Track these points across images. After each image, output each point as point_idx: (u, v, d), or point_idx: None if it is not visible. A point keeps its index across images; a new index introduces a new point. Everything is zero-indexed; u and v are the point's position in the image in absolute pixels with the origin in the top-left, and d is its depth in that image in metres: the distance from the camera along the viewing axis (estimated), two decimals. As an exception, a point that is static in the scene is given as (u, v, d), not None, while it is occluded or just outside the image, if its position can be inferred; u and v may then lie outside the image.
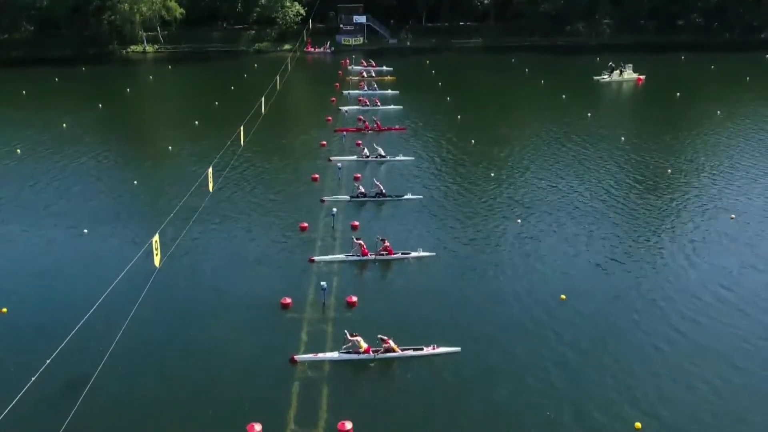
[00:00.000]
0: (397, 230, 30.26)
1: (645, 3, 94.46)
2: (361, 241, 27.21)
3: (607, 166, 39.71)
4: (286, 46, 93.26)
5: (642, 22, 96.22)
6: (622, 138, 45.47)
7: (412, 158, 41.27)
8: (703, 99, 58.84)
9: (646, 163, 40.45)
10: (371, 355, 20.37)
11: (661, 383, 19.26)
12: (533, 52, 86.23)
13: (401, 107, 55.76)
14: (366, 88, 63.17)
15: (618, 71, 67.48)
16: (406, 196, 33.99)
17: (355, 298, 23.92)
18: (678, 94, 60.01)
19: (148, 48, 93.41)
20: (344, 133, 46.71)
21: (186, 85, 72.24)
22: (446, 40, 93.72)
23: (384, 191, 34.08)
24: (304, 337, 21.91)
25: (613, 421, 17.71)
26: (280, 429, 17.54)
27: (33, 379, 16.07)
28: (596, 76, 67.98)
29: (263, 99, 46.12)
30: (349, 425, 17.27)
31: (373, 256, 27.00)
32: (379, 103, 56.52)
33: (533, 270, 26.45)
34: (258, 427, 17.25)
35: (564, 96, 59.77)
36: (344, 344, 20.56)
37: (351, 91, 61.93)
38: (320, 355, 20.46)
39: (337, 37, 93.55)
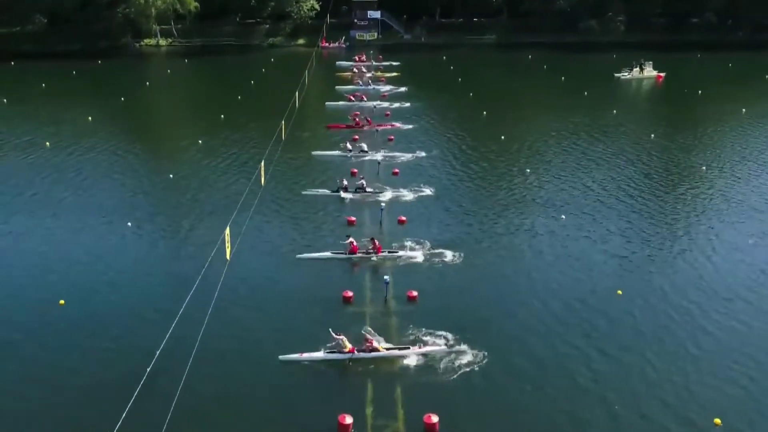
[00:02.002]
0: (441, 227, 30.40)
1: (657, 1, 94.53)
2: (351, 239, 27.13)
3: (641, 164, 39.83)
4: (300, 41, 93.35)
5: (653, 19, 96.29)
6: (652, 135, 45.60)
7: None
8: (725, 97, 58.89)
9: (679, 160, 40.63)
10: (355, 354, 20.19)
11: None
12: (547, 49, 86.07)
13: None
14: (360, 83, 62.96)
15: (638, 68, 67.58)
16: (386, 192, 33.94)
17: (415, 293, 23.96)
18: (700, 92, 60.20)
19: (162, 41, 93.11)
20: (377, 128, 46.42)
21: (204, 79, 72.00)
22: (460, 36, 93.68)
23: (365, 186, 34.07)
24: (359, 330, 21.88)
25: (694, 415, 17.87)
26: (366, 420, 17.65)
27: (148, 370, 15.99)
28: (616, 73, 68.02)
29: (297, 93, 46.05)
30: (435, 418, 17.32)
31: (361, 254, 26.90)
32: (365, 99, 55.82)
33: (584, 267, 26.53)
34: (349, 419, 17.31)
35: (586, 93, 59.85)
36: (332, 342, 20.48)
37: (343, 87, 61.44)
38: (305, 355, 20.21)
39: (351, 32, 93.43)
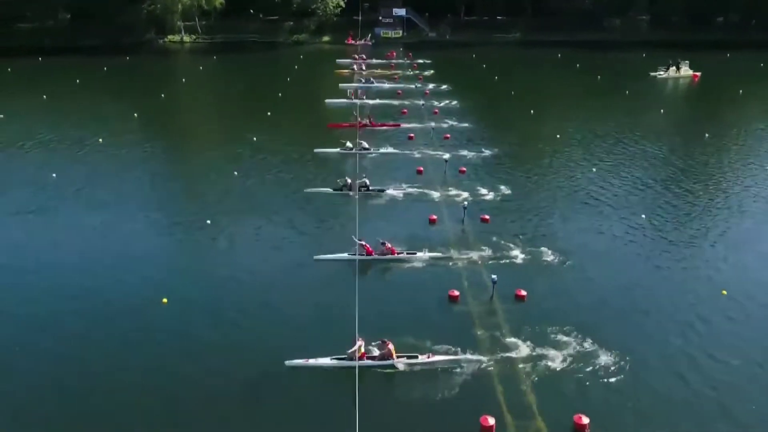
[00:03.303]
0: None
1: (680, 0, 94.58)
2: (363, 242, 26.65)
3: (702, 163, 39.70)
4: (325, 38, 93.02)
5: (676, 18, 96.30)
6: (706, 135, 45.43)
7: (398, 150, 40.88)
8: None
9: (739, 159, 40.53)
10: (365, 361, 19.62)
11: None
12: (572, 47, 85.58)
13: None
14: (363, 81, 62.56)
15: (675, 67, 67.43)
16: (388, 190, 33.69)
17: (524, 292, 23.77)
18: (741, 91, 60.12)
19: (186, 38, 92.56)
20: (432, 127, 46.01)
21: (237, 76, 71.23)
22: (484, 34, 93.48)
23: (369, 185, 33.76)
24: (475, 330, 21.73)
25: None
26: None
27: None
28: (652, 72, 67.83)
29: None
30: (585, 420, 17.14)
31: (377, 256, 26.42)
32: (365, 98, 55.23)
33: (675, 266, 26.43)
34: (491, 420, 17.11)
35: (627, 92, 59.71)
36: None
37: (347, 84, 60.92)
38: (311, 361, 19.78)
39: (376, 29, 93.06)
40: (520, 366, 19.82)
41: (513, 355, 20.28)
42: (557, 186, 35.64)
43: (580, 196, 34.05)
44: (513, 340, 21.04)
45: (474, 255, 26.83)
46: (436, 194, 33.57)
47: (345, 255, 26.73)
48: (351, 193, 33.30)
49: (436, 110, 51.66)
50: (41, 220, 31.04)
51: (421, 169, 37.37)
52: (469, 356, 20.09)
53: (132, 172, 37.92)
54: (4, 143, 43.63)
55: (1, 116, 50.14)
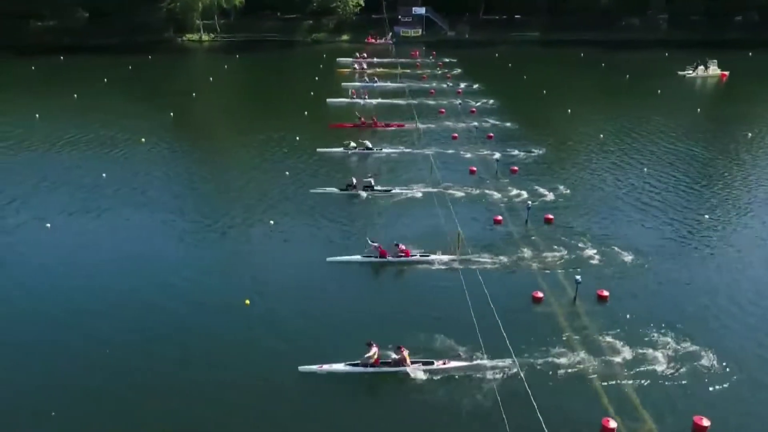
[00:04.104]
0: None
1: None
2: (377, 243, 26.41)
3: (753, 163, 39.64)
4: (344, 37, 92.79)
5: (695, 18, 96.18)
6: (749, 134, 45.36)
7: (400, 150, 40.83)
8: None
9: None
10: (379, 367, 19.44)
11: None
12: (592, 46, 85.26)
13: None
14: (366, 80, 62.39)
15: (703, 66, 67.34)
16: (394, 190, 33.51)
17: (606, 292, 23.65)
18: (773, 89, 60.23)
19: (204, 37, 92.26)
20: (475, 126, 45.81)
21: (263, 74, 70.84)
22: (503, 32, 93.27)
23: (373, 185, 33.64)
24: (564, 331, 21.60)
25: None
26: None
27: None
28: (680, 71, 67.74)
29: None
30: (706, 422, 17.03)
31: (391, 258, 26.15)
32: (367, 97, 55.05)
33: (755, 265, 26.33)
34: (613, 423, 16.99)
35: (659, 91, 59.58)
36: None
37: (350, 84, 60.76)
38: (325, 367, 19.47)
39: (395, 28, 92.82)
40: (622, 367, 19.68)
41: (612, 357, 20.15)
42: (612, 185, 35.52)
43: (637, 196, 33.92)
44: (608, 340, 20.96)
45: (548, 256, 26.72)
46: (496, 194, 33.47)
47: (358, 257, 26.46)
48: (364, 194, 33.23)
49: (474, 109, 51.52)
50: (99, 220, 30.96)
51: (474, 169, 37.21)
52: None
53: (169, 171, 37.91)
54: (44, 143, 43.34)
55: (37, 116, 49.83)
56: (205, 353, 20.50)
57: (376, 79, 62.73)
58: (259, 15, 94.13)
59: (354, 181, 33.98)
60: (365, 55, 75.17)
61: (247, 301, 23.24)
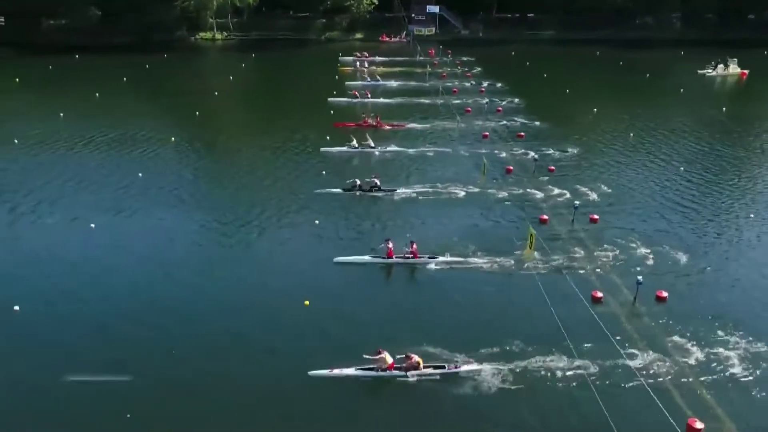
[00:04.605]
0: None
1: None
2: (390, 243, 26.01)
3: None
4: (358, 36, 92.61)
5: (708, 16, 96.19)
6: (778, 133, 45.48)
7: (400, 149, 40.40)
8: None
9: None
10: (394, 372, 19.04)
11: None
12: (607, 45, 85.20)
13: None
14: (369, 79, 62.25)
15: (723, 65, 67.30)
16: (399, 190, 33.33)
17: (665, 293, 23.53)
18: (795, 88, 60.22)
19: (217, 35, 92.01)
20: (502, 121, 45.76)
21: (282, 73, 70.65)
22: (517, 31, 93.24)
23: (379, 185, 33.36)
24: (626, 333, 21.41)
25: None
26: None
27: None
28: (700, 70, 67.70)
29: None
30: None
31: (398, 259, 25.74)
32: (369, 95, 54.85)
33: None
34: (700, 424, 16.87)
35: (682, 90, 59.56)
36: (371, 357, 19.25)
37: (352, 83, 60.69)
38: (336, 371, 19.07)
39: (409, 26, 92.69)
40: (695, 368, 19.55)
41: (682, 357, 20.01)
42: (650, 184, 35.48)
43: (676, 195, 33.90)
44: (676, 340, 20.87)
45: (601, 255, 26.59)
46: (538, 194, 33.35)
47: (367, 257, 26.13)
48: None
49: (500, 108, 51.39)
50: (134, 220, 30.72)
51: (511, 168, 37.09)
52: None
53: (199, 170, 37.90)
54: (72, 142, 43.02)
55: (61, 115, 49.60)
56: (211, 356, 20.08)
57: (378, 77, 62.51)
58: (272, 13, 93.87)
59: (357, 182, 33.42)
60: (366, 54, 74.97)
61: (307, 302, 23.10)
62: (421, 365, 19.17)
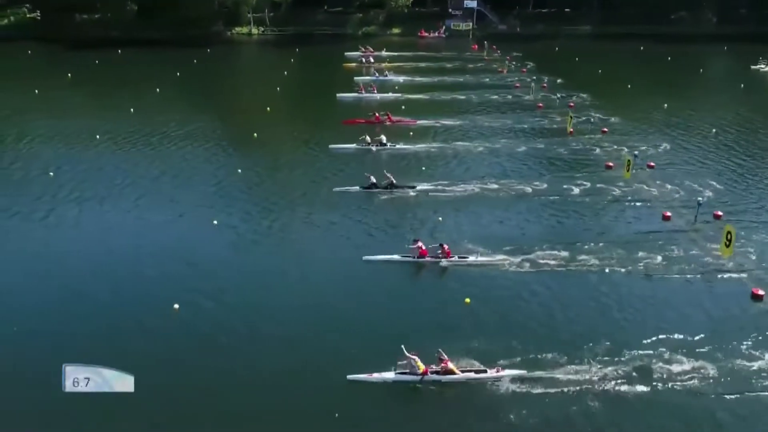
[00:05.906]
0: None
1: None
2: (420, 243, 25.59)
3: None
4: (395, 30, 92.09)
5: (744, 11, 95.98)
6: None
7: (410, 146, 40.01)
8: None
9: None
10: (428, 376, 18.81)
11: None
12: (647, 40, 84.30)
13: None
14: (377, 74, 61.81)
15: (776, 61, 67.26)
16: (418, 187, 33.01)
17: (761, 291, 23.41)
18: None
19: (254, 30, 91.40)
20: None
21: (325, 67, 70.24)
22: (554, 26, 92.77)
23: (395, 182, 32.96)
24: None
25: None
26: None
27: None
28: (753, 65, 67.49)
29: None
30: None
31: (431, 259, 25.41)
32: (375, 91, 54.38)
33: None
34: None
35: (742, 85, 59.39)
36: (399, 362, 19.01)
37: (362, 78, 60.34)
38: (375, 375, 18.88)
39: (447, 21, 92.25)
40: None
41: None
42: (757, 180, 35.25)
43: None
44: None
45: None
46: (654, 191, 33.14)
47: (396, 256, 25.75)
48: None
49: (572, 103, 51.13)
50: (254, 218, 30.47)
51: (611, 164, 36.87)
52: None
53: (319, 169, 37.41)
54: (152, 136, 42.74)
55: (131, 110, 49.18)
56: (247, 358, 19.85)
57: (386, 73, 62.10)
58: (308, 8, 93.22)
59: (372, 179, 32.96)
60: (371, 48, 74.44)
61: (468, 300, 22.87)
62: (453, 367, 18.83)
